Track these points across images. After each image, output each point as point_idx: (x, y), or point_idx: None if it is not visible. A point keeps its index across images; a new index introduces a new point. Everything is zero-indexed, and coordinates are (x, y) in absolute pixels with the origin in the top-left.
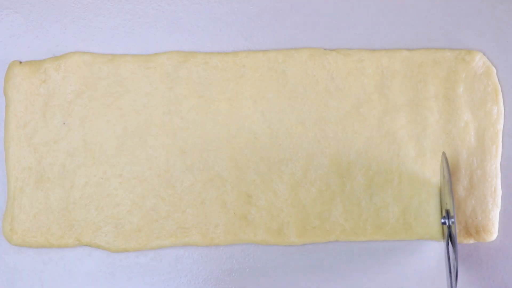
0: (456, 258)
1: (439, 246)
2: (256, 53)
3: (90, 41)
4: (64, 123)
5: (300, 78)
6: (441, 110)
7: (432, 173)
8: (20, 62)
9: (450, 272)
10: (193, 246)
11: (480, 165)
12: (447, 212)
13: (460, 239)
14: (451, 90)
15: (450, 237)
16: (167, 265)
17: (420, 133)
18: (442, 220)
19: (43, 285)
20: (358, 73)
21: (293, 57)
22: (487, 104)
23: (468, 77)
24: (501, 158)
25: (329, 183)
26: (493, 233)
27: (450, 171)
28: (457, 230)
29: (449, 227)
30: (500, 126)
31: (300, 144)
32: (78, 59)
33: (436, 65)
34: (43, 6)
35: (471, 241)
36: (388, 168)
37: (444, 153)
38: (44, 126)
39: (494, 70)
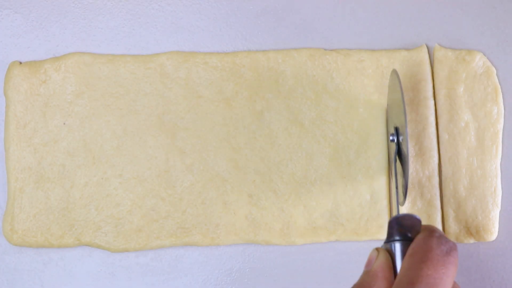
0: (406, 175)
1: None
2: (256, 53)
3: (90, 41)
4: (64, 123)
5: (300, 78)
6: (441, 110)
7: (432, 172)
8: (20, 63)
9: (397, 188)
10: (193, 246)
11: (480, 165)
12: (396, 129)
13: (460, 239)
14: (451, 90)
15: (399, 155)
16: (167, 265)
17: (420, 133)
18: (391, 138)
19: (43, 285)
20: (358, 73)
21: (293, 57)
22: (487, 104)
23: (468, 77)
24: (501, 158)
25: (329, 183)
26: (493, 233)
27: (402, 87)
28: (409, 158)
29: (398, 143)
30: (500, 126)
31: (300, 144)
32: (78, 59)
33: (436, 64)
34: (43, 6)
35: (471, 241)
36: (389, 168)
37: (395, 70)
38: (44, 126)
39: (494, 70)
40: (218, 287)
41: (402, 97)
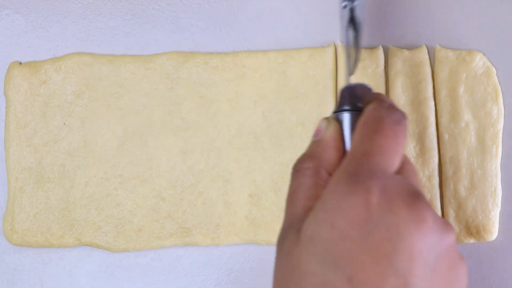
0: (359, 44)
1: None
2: (256, 53)
3: (90, 42)
4: (64, 124)
5: (300, 78)
6: (442, 110)
7: (432, 172)
8: (20, 63)
9: (348, 57)
10: (194, 246)
11: (480, 165)
12: None
13: (461, 239)
14: (451, 91)
15: (353, 22)
16: (167, 265)
17: (420, 133)
18: (343, 3)
19: (43, 285)
20: (359, 73)
21: (293, 57)
22: (487, 104)
23: (468, 77)
24: (501, 158)
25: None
26: (493, 233)
27: None
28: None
29: (352, 9)
30: (500, 126)
31: (301, 144)
32: (78, 59)
33: (437, 65)
34: (43, 6)
35: (471, 241)
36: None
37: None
38: (44, 126)
39: (494, 71)
40: (218, 287)
41: None
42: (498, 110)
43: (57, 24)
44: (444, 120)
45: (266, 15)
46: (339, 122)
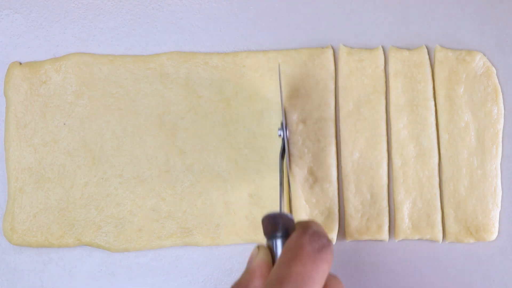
0: (288, 167)
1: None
2: (256, 53)
3: (90, 42)
4: (64, 124)
5: (300, 78)
6: (442, 111)
7: (432, 172)
8: (20, 63)
9: (280, 185)
10: (193, 246)
11: (480, 165)
12: (282, 124)
13: (460, 239)
14: (451, 91)
15: (284, 149)
16: (167, 265)
17: (420, 133)
18: (279, 132)
19: (43, 285)
20: (359, 73)
21: (293, 57)
22: (487, 104)
23: (468, 77)
24: (501, 158)
25: (330, 182)
26: (493, 232)
27: (281, 80)
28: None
29: (284, 139)
30: (500, 126)
31: (301, 143)
32: (78, 60)
33: (437, 65)
34: (43, 6)
35: (471, 240)
36: (390, 168)
37: (279, 65)
38: (44, 126)
39: (494, 71)
40: (218, 287)
41: (281, 94)
42: (498, 110)
43: (57, 24)
44: (444, 120)
45: (266, 15)
46: (271, 249)
